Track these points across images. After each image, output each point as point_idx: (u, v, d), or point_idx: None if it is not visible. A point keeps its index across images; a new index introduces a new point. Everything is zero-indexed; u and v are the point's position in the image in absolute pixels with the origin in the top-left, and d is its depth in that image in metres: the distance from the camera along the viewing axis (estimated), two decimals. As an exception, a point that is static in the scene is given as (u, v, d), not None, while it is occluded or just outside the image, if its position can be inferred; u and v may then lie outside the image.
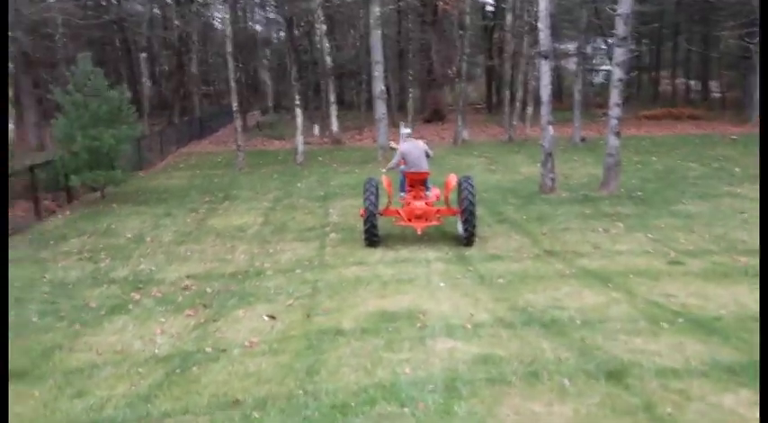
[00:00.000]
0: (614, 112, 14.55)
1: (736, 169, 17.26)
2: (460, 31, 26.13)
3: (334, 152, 24.35)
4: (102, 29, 27.44)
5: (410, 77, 30.53)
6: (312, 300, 7.65)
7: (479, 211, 13.10)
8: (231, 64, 19.69)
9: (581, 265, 8.93)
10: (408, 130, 11.40)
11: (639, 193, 14.24)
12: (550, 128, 14.82)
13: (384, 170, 11.43)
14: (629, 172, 17.56)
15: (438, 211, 10.62)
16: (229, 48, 19.47)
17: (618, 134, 14.57)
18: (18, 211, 13.47)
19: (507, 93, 27.45)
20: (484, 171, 19.04)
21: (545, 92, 14.99)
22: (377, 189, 10.43)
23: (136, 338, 6.58)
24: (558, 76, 51.12)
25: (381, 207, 10.76)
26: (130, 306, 7.79)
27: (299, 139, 21.61)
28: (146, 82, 23.85)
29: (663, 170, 17.81)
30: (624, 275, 8.32)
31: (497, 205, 13.73)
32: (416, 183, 11.00)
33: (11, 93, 21.12)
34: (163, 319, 7.18)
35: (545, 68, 14.99)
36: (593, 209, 13.00)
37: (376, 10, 19.56)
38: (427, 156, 10.97)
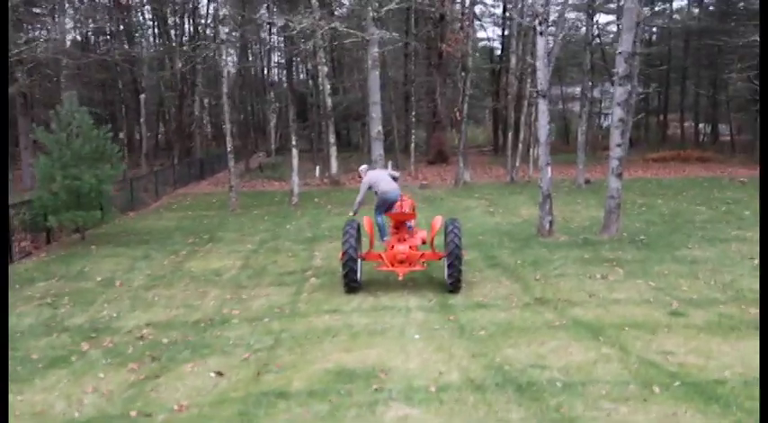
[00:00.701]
0: (615, 152, 13.94)
1: (746, 212, 16.49)
2: (462, 73, 25.88)
3: (331, 193, 23.87)
4: (105, 70, 27.58)
5: (413, 119, 30.23)
6: (270, 353, 6.94)
7: (472, 254, 12.47)
8: (226, 105, 19.42)
9: (573, 316, 8.17)
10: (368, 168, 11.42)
11: (642, 238, 13.49)
12: (549, 169, 14.22)
13: (351, 213, 10.85)
14: (632, 215, 16.85)
15: (422, 255, 9.94)
16: (225, 88, 19.23)
17: (620, 175, 13.92)
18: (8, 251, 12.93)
19: (510, 134, 26.98)
20: (483, 213, 18.41)
21: (543, 132, 14.45)
22: (358, 232, 9.81)
23: (62, 398, 5.88)
24: (565, 119, 50.99)
25: (364, 251, 10.17)
26: (74, 358, 7.11)
27: (295, 180, 21.18)
28: (143, 122, 23.68)
29: (668, 213, 17.06)
30: (619, 328, 7.55)
31: (492, 249, 13.03)
32: (401, 224, 10.37)
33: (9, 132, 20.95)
34: (102, 375, 6.48)
35: (543, 108, 14.48)
36: (592, 253, 12.26)
37: (374, 51, 19.31)
38: (394, 178, 10.82)
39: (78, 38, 33.21)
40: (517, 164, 25.60)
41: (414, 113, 30.43)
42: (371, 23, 18.45)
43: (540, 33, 14.00)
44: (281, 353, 6.91)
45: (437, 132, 36.49)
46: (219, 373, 6.29)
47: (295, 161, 20.87)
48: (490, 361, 6.37)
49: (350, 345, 7.06)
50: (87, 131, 13.85)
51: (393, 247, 9.97)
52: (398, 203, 10.37)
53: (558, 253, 12.42)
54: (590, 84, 31.11)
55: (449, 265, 9.46)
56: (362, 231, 10.05)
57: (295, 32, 17.47)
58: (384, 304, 9.01)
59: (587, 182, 24.02)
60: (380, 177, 10.61)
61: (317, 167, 30.29)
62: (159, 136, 39.41)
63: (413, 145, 29.65)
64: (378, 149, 20.05)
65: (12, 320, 8.85)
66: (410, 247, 9.94)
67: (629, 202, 19.65)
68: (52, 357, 7.19)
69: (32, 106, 25.42)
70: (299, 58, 30.90)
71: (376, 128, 19.80)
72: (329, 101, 25.47)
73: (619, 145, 13.87)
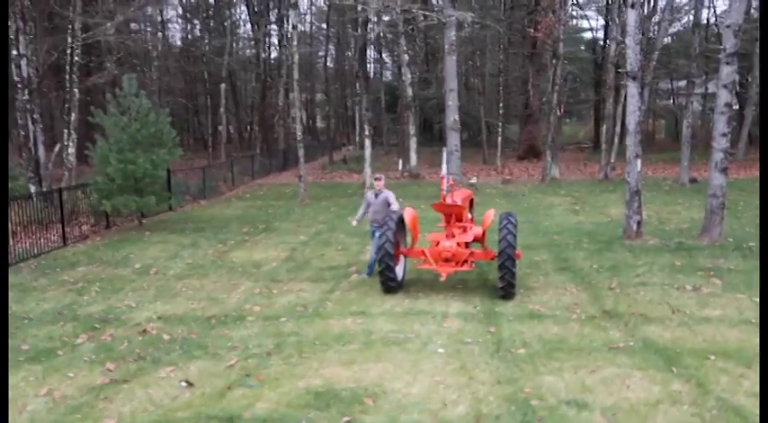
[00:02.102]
0: (720, 143, 11.87)
1: None
2: (554, 61, 23.91)
3: (408, 187, 22.74)
4: (192, 62, 27.98)
5: (500, 111, 28.50)
6: (261, 362, 5.95)
7: (541, 256, 10.99)
8: (297, 92, 18.78)
9: (645, 336, 6.60)
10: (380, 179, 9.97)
11: (752, 244, 11.38)
12: (638, 161, 12.36)
13: (354, 222, 10.05)
14: (744, 218, 14.55)
15: (471, 253, 8.62)
16: (296, 75, 18.59)
17: (725, 170, 11.85)
18: (52, 234, 12.90)
19: (604, 127, 24.70)
20: (565, 211, 16.65)
21: (632, 119, 12.59)
22: (398, 225, 8.66)
23: (12, 401, 5.15)
24: (677, 116, 46.89)
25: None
26: (60, 352, 6.47)
27: (367, 171, 20.26)
28: (223, 112, 23.66)
29: (788, 217, 14.53)
30: (702, 356, 5.93)
31: (565, 250, 11.44)
32: (449, 217, 9.09)
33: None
34: (71, 375, 5.76)
35: (632, 91, 12.62)
36: (685, 260, 10.41)
37: (451, 35, 18.00)
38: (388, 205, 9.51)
39: (174, 30, 34.25)
40: (612, 160, 23.33)
41: (501, 105, 28.62)
42: (448, 4, 17.13)
43: (632, 5, 12.16)
44: (274, 362, 5.90)
45: (529, 126, 34.41)
46: (189, 384, 5.38)
47: (367, 152, 19.95)
48: (516, 391, 5.03)
49: (356, 356, 5.94)
50: (144, 116, 13.54)
51: (438, 243, 8.73)
52: (445, 194, 9.13)
53: (644, 258, 10.66)
54: (704, 73, 28.04)
55: (499, 267, 8.10)
56: (407, 226, 8.90)
57: (365, 14, 16.47)
58: (419, 308, 7.81)
59: (693, 181, 21.44)
60: (375, 203, 9.64)
61: (400, 161, 29.34)
62: (248, 127, 39.86)
63: (500, 138, 27.92)
64: (453, 140, 18.74)
65: (30, 305, 8.47)
66: (458, 245, 8.66)
67: (741, 202, 17.16)
68: (40, 349, 6.59)
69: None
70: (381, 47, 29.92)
71: (452, 116, 18.49)
72: (410, 91, 24.34)
73: (724, 135, 11.78)
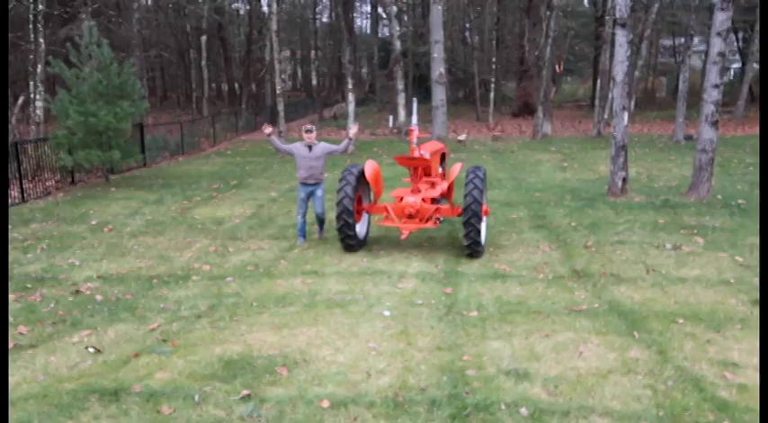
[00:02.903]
0: (711, 95, 11.20)
1: None
2: (548, 11, 22.92)
3: (395, 144, 22.06)
4: (178, 15, 26.87)
5: (493, 67, 27.55)
6: (187, 325, 5.46)
7: (519, 212, 10.48)
8: (276, 44, 17.93)
9: (613, 297, 6.11)
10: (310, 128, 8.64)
11: (741, 202, 10.83)
12: (624, 115, 11.70)
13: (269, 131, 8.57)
14: (735, 175, 13.99)
15: (437, 209, 8.06)
16: (274, 26, 17.72)
17: (715, 124, 11.21)
18: (11, 190, 12.35)
19: (598, 82, 23.86)
20: (552, 168, 16.07)
21: (619, 69, 11.87)
22: (358, 179, 8.09)
23: None
24: (677, 75, 45.67)
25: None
26: (-22, 313, 5.96)
27: (352, 128, 19.51)
28: (204, 65, 22.74)
29: (782, 174, 13.95)
30: (670, 319, 5.43)
31: (545, 207, 10.91)
32: (416, 172, 8.49)
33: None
34: (-23, 338, 5.26)
35: (621, 40, 11.86)
36: (669, 217, 9.89)
37: (437, -19, 17.06)
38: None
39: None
40: (606, 116, 22.58)
41: (495, 61, 27.66)
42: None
43: (623, -56, 11.31)
44: (200, 326, 5.40)
45: (524, 82, 33.46)
46: (97, 350, 4.88)
47: (350, 106, 19.20)
48: (454, 359, 4.53)
49: (291, 319, 5.45)
50: (106, 66, 12.80)
51: (402, 198, 8.16)
52: (414, 147, 8.54)
53: (626, 216, 10.14)
54: (706, 28, 26.99)
55: (464, 224, 7.55)
56: (369, 181, 8.31)
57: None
58: (377, 268, 7.30)
59: (689, 138, 20.75)
60: (307, 157, 8.50)
61: (390, 117, 28.57)
62: (233, 83, 38.73)
63: (492, 94, 27.07)
64: (439, 94, 18.02)
65: (-33, 263, 7.95)
66: (423, 200, 8.09)
67: (735, 159, 16.57)
68: (-42, 310, 6.09)
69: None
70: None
71: (437, 69, 17.70)
72: (398, 44, 23.41)
73: (716, 86, 11.10)
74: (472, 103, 35.83)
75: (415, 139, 8.81)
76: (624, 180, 11.82)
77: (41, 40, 15.94)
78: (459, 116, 33.76)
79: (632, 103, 24.26)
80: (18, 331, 5.39)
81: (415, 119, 9.18)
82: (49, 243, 9.04)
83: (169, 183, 13.99)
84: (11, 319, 5.79)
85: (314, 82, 53.48)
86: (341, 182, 8.03)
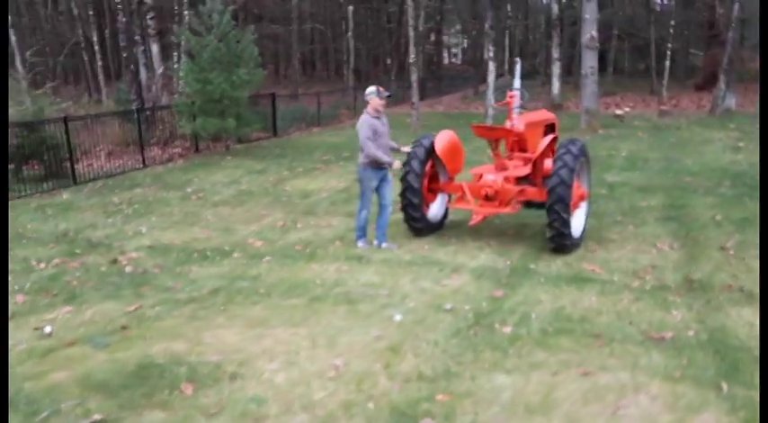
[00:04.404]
0: None
1: None
2: (740, -38, 19.23)
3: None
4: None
5: (671, 30, 24.03)
6: (167, 310, 4.81)
7: (652, 200, 8.64)
8: (411, 10, 16.91)
9: (722, 324, 4.42)
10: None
11: None
12: (811, 79, 9.05)
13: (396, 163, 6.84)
14: None
15: (522, 191, 6.64)
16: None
17: None
18: (136, 155, 12.89)
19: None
20: (722, 148, 13.40)
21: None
22: (428, 152, 6.93)
23: None
24: None
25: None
26: (10, 277, 5.84)
27: (490, 99, 18.02)
28: (351, 36, 22.34)
29: None
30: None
31: (690, 195, 8.90)
32: (496, 145, 7.04)
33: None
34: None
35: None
36: None
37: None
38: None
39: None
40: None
41: (672, 23, 24.09)
42: None
43: None
44: (179, 313, 4.70)
45: (713, 49, 28.97)
46: (49, 334, 4.37)
47: (490, 77, 17.67)
48: (424, 398, 3.30)
49: (281, 315, 4.55)
50: (226, 33, 12.75)
51: (481, 176, 6.85)
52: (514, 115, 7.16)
53: (800, 210, 7.81)
54: None
55: (547, 210, 6.09)
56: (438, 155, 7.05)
57: None
58: (434, 258, 6.16)
59: None
60: (380, 132, 6.68)
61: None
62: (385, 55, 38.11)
63: (667, 63, 23.67)
64: (589, 61, 15.83)
65: (48, 225, 8.16)
66: (505, 180, 6.70)
67: None
68: (-6, 272, 6.06)
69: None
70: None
71: (588, 31, 15.52)
72: (555, 7, 21.23)
73: None
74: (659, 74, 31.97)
75: (516, 108, 7.41)
76: (806, 164, 9.21)
77: (185, 12, 16.50)
78: (633, 89, 30.29)
79: None
80: (15, 300, 5.12)
81: (517, 82, 7.75)
82: (136, 209, 9.07)
83: (285, 153, 13.75)
84: (28, 285, 5.59)
85: (487, 55, 51.25)
86: (409, 155, 6.94)
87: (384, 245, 6.63)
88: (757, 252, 6.29)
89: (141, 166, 12.47)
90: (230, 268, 6.02)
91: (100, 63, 25.86)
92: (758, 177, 10.03)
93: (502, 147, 7.20)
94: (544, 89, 32.36)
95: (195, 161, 13.09)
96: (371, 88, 6.75)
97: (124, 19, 14.48)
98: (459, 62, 58.91)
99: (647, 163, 11.75)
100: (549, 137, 6.71)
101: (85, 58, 28.74)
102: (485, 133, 6.96)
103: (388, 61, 29.88)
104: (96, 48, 25.64)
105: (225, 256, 6.50)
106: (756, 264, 5.91)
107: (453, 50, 62.39)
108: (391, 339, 4.07)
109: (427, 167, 7.16)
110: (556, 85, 22.15)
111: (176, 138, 14.63)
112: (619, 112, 19.30)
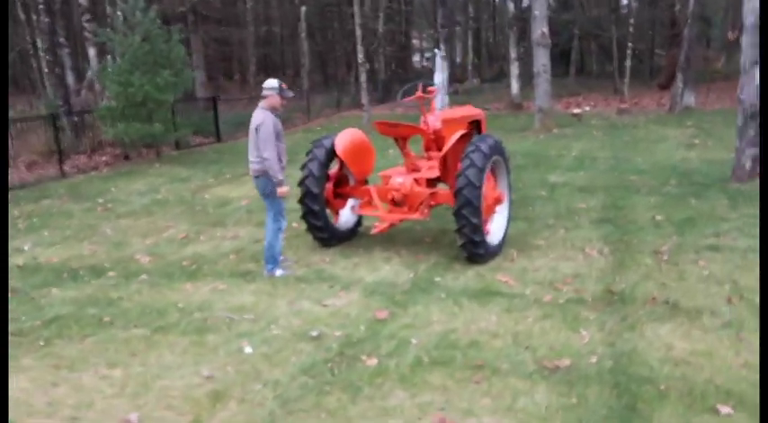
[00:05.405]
0: None
1: None
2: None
3: (503, 118, 19.48)
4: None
5: (630, 29, 23.68)
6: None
7: (591, 201, 8.04)
8: (357, 8, 16.24)
9: (633, 347, 3.74)
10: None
11: None
12: (756, 71, 8.55)
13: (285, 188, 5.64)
14: None
15: (433, 194, 5.94)
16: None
17: None
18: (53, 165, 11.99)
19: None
20: (676, 146, 12.90)
21: (749, 19, 8.69)
22: (330, 154, 6.23)
23: None
24: None
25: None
26: None
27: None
28: (304, 37, 21.58)
29: None
30: (707, 404, 3.01)
31: (632, 195, 8.32)
32: (404, 143, 6.36)
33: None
34: None
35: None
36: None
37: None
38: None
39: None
40: None
41: (632, 21, 23.77)
42: None
43: None
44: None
45: (674, 49, 28.75)
46: None
47: (437, 78, 17.02)
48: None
49: (104, 352, 3.81)
50: (149, 31, 11.92)
51: (389, 179, 6.14)
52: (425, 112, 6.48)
53: (744, 209, 7.32)
54: None
55: (454, 215, 5.40)
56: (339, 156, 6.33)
57: None
58: (328, 273, 5.43)
59: None
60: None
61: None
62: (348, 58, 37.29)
63: (627, 62, 23.30)
64: (541, 59, 15.25)
65: None
66: (415, 182, 6.01)
67: None
68: None
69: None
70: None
71: (539, 29, 14.96)
72: (511, 6, 20.69)
73: None
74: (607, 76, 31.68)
75: (438, 104, 6.74)
76: (754, 161, 8.71)
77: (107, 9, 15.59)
78: (598, 89, 29.93)
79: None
80: None
81: (438, 77, 7.13)
82: (33, 223, 8.22)
83: (220, 159, 12.95)
84: None
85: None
86: (307, 156, 6.24)
87: (278, 272, 5.46)
88: (693, 256, 5.68)
89: (59, 175, 11.58)
90: (93, 290, 5.22)
91: (46, 70, 24.76)
92: (706, 176, 9.51)
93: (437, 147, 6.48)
94: (507, 91, 32.02)
95: (122, 169, 12.22)
96: (273, 82, 5.62)
97: (46, 19, 13.58)
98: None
99: (595, 162, 11.18)
100: (458, 133, 6.01)
101: (34, 65, 27.60)
102: (387, 131, 6.27)
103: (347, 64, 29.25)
104: (41, 54, 24.54)
105: (97, 276, 5.70)
106: (691, 270, 5.28)
107: (427, 54, 62.00)
108: (223, 381, 3.32)
109: (333, 170, 6.47)
110: (515, 86, 21.61)
111: (106, 145, 13.75)
112: (576, 111, 18.80)
